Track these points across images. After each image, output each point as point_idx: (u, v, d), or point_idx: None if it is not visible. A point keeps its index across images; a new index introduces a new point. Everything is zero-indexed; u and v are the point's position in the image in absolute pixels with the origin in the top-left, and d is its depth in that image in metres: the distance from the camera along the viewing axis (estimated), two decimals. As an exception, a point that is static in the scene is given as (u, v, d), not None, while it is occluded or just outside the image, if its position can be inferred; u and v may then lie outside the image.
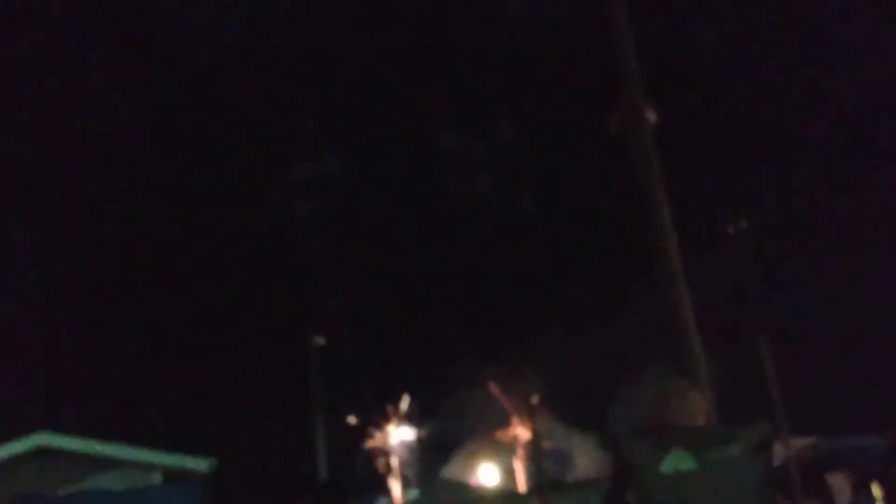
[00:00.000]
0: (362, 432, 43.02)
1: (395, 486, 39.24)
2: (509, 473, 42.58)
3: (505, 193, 49.40)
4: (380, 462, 42.77)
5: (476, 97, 52.76)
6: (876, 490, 15.14)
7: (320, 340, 20.81)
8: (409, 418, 37.36)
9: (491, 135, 49.44)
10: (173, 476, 14.67)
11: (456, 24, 50.15)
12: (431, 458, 43.48)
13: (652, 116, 11.26)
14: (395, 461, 42.57)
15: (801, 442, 17.00)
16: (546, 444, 35.73)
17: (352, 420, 35.46)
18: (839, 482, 15.16)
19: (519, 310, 44.82)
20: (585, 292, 43.62)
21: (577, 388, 38.58)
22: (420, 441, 40.32)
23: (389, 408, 39.79)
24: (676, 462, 3.30)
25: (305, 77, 50.60)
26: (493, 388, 37.85)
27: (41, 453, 14.74)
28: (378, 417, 42.44)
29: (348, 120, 51.39)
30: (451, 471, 41.39)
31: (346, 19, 49.65)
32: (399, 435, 42.71)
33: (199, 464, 15.36)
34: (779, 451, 11.01)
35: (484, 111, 51.51)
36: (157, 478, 14.35)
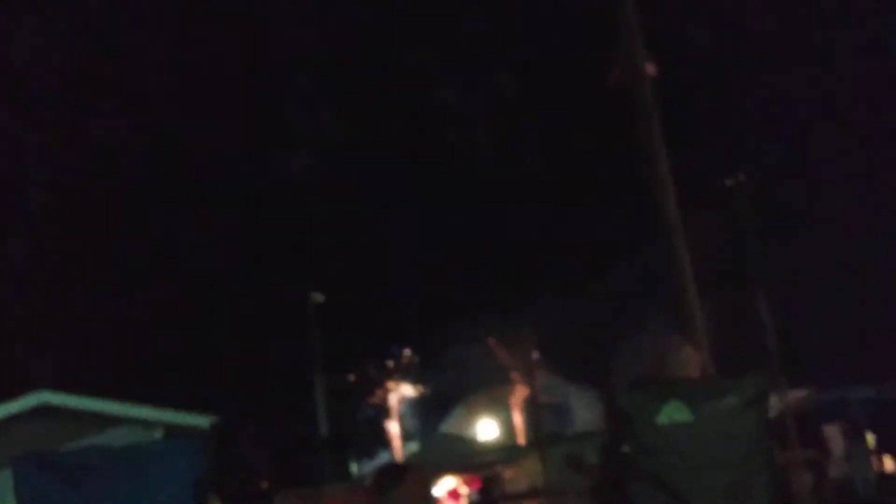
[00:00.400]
0: (363, 388, 43.40)
1: (396, 441, 39.66)
2: (508, 427, 43.04)
3: (504, 147, 49.23)
4: (380, 417, 43.21)
5: (474, 50, 52.35)
6: (869, 438, 15.36)
7: (319, 297, 20.85)
8: (410, 373, 37.62)
9: (489, 88, 49.15)
10: (175, 433, 14.80)
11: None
12: (431, 412, 43.90)
13: (651, 69, 11.19)
14: (394, 417, 43.00)
15: (796, 394, 17.18)
16: (544, 398, 36.07)
17: (352, 377, 35.71)
18: (833, 432, 15.37)
19: (518, 264, 44.94)
20: (584, 246, 43.67)
21: (576, 342, 38.84)
22: (420, 396, 40.67)
23: (389, 363, 40.09)
24: (672, 413, 3.33)
25: (299, 31, 50.15)
26: (493, 342, 38.09)
27: (43, 411, 14.79)
28: (378, 373, 42.78)
29: (344, 74, 51.00)
30: (450, 425, 41.82)
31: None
32: (399, 390, 43.10)
33: (201, 420, 15.49)
34: (775, 403, 11.13)
35: (482, 64, 51.12)
36: (158, 434, 14.44)
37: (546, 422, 32.43)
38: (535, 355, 35.07)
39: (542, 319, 38.33)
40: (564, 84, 44.92)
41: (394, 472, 4.54)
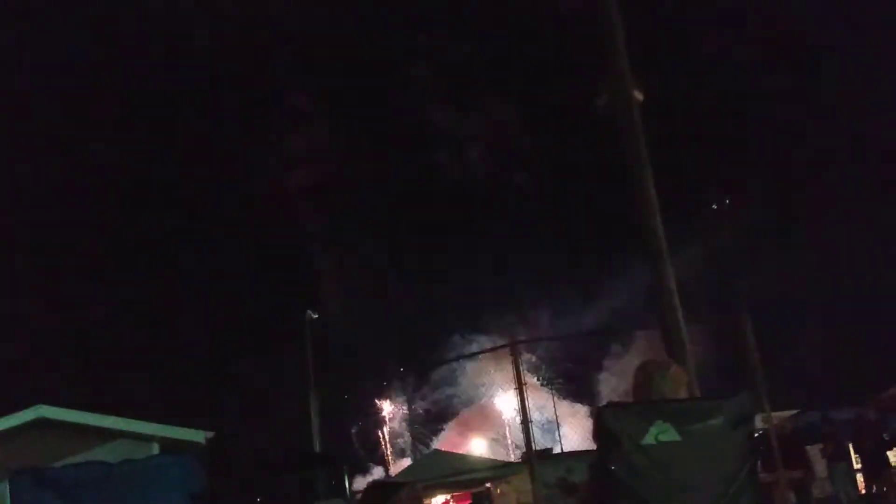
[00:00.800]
0: (357, 405, 43.27)
1: (388, 457, 39.53)
2: (499, 444, 42.97)
3: (495, 168, 49.37)
4: (373, 434, 43.06)
5: (466, 75, 52.58)
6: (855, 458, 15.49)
7: (314, 314, 20.91)
8: (403, 391, 37.59)
9: (481, 111, 49.35)
10: (170, 447, 14.83)
11: (446, 1, 49.87)
12: (424, 428, 43.85)
13: (639, 95, 11.37)
14: (387, 434, 42.86)
15: (781, 415, 17.32)
16: (535, 416, 36.11)
17: (346, 394, 35.56)
18: (817, 453, 15.52)
19: (509, 282, 45.08)
20: (574, 265, 43.83)
21: (566, 361, 38.92)
22: (413, 412, 40.59)
23: (383, 382, 39.92)
24: (658, 434, 3.38)
25: (298, 51, 50.20)
26: (484, 359, 38.06)
27: (40, 425, 14.84)
28: (372, 390, 42.64)
29: (340, 94, 51.08)
30: (443, 441, 41.77)
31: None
32: (392, 408, 43.00)
33: (196, 435, 15.53)
34: (759, 424, 11.28)
35: (474, 88, 51.34)
36: (154, 449, 14.51)
37: (537, 438, 32.45)
38: (526, 373, 35.10)
39: (534, 338, 38.43)
40: (553, 108, 45.21)
41: (384, 490, 4.53)
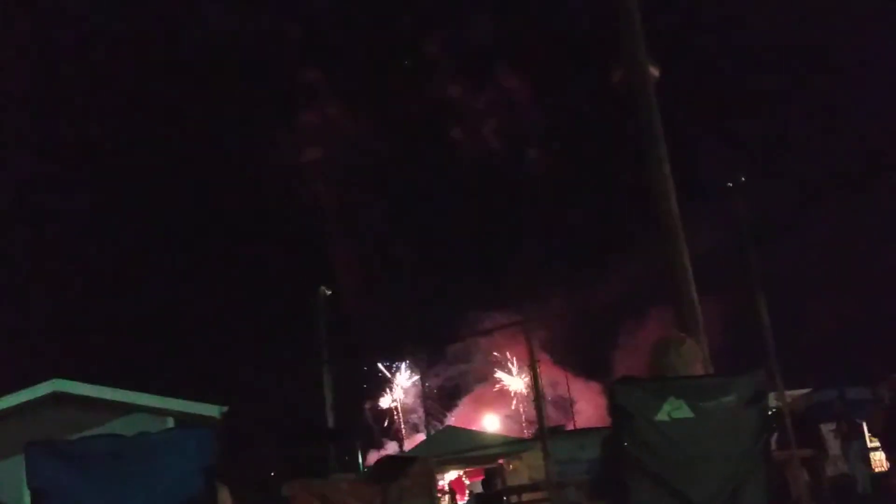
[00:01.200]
0: (371, 380, 43.49)
1: (402, 432, 39.74)
2: (513, 419, 43.15)
3: (509, 143, 49.21)
4: (387, 410, 43.27)
5: (481, 48, 52.30)
6: (873, 441, 15.41)
7: (327, 290, 20.95)
8: (417, 366, 37.69)
9: (496, 88, 49.15)
10: (185, 421, 14.95)
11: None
12: (438, 404, 44.07)
13: (654, 72, 11.32)
14: (401, 409, 43.06)
15: (794, 393, 17.28)
16: (549, 392, 36.22)
17: (359, 369, 35.72)
18: (831, 431, 15.50)
19: (524, 258, 45.01)
20: (588, 242, 43.76)
21: (581, 337, 38.93)
22: (426, 388, 40.72)
23: (397, 358, 40.05)
24: (671, 410, 3.36)
25: (309, 28, 50.05)
26: (498, 335, 38.13)
27: (56, 399, 14.98)
28: (386, 366, 42.80)
29: (353, 69, 50.94)
30: (456, 417, 41.99)
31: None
32: (406, 383, 43.18)
33: (211, 409, 15.64)
34: (773, 402, 11.25)
35: (488, 64, 51.09)
36: (169, 423, 14.60)
37: (550, 415, 32.54)
38: (540, 350, 35.17)
39: (548, 314, 38.41)
40: (569, 84, 44.94)
41: (396, 464, 4.54)
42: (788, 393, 13.72)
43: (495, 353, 41.93)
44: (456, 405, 44.06)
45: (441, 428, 36.21)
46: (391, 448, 41.64)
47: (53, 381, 15.17)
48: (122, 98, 44.75)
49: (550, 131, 47.65)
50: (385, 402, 43.55)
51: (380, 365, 42.91)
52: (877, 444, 15.38)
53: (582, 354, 39.11)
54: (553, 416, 33.33)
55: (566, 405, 37.14)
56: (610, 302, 38.41)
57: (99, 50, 45.28)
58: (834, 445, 16.12)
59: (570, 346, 38.46)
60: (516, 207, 48.05)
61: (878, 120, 35.45)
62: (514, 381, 42.43)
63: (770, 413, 3.99)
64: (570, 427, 32.36)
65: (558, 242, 45.26)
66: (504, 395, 43.26)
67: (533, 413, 30.54)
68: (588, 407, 38.01)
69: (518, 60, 47.33)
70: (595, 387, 37.71)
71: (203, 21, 45.82)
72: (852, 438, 15.60)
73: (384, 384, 43.68)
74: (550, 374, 36.41)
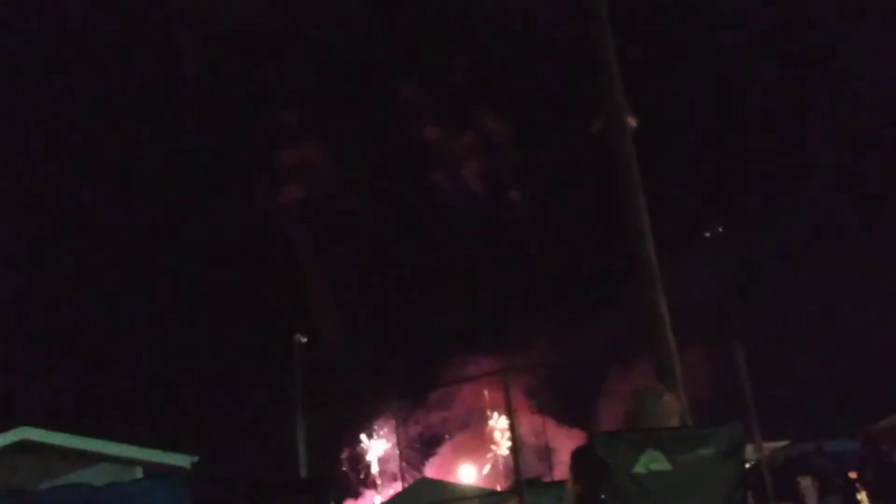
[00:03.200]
0: (348, 428, 43.00)
1: (378, 482, 39.21)
2: (491, 470, 42.71)
3: (489, 191, 49.50)
4: (364, 459, 42.77)
5: (460, 96, 52.86)
6: (860, 495, 15.31)
7: (303, 338, 20.77)
8: (396, 415, 37.31)
9: (476, 132, 49.58)
10: (154, 472, 14.68)
11: (443, 20, 50.19)
12: (416, 452, 43.57)
13: (633, 121, 11.40)
14: (377, 458, 42.57)
15: (773, 445, 17.20)
16: (532, 440, 35.89)
17: (334, 417, 35.32)
18: (809, 485, 15.40)
19: (505, 307, 45.02)
20: (569, 291, 43.82)
21: (565, 384, 38.75)
22: (405, 436, 40.32)
23: (375, 406, 39.61)
24: (649, 462, 3.35)
25: (290, 66, 50.38)
26: (480, 382, 37.87)
27: (24, 447, 14.71)
28: (364, 413, 42.35)
29: (333, 111, 51.21)
30: (434, 466, 41.51)
31: (334, 8, 49.59)
32: (379, 445, 42.76)
33: (181, 460, 15.38)
34: (750, 454, 11.18)
35: (469, 109, 51.58)
36: (138, 473, 14.36)
37: (531, 464, 32.19)
38: (522, 396, 34.97)
39: (527, 363, 38.28)
40: (549, 133, 45.47)
41: None
42: (767, 445, 13.66)
43: (480, 399, 41.72)
44: (434, 453, 43.60)
45: (415, 480, 35.74)
46: (368, 497, 41.05)
47: (21, 428, 14.91)
48: (81, 139, 44.55)
49: (531, 176, 48.01)
50: (363, 449, 43.04)
51: (362, 436, 42.54)
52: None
53: (566, 402, 38.93)
54: (535, 466, 32.97)
55: (549, 453, 36.82)
56: (595, 349, 38.37)
57: (74, 86, 45.37)
58: (812, 497, 16.02)
59: (553, 393, 38.27)
60: (499, 251, 48.18)
61: (863, 170, 36.01)
62: (495, 428, 42.18)
63: (747, 467, 3.95)
64: (549, 478, 32.03)
65: (542, 287, 45.29)
66: (484, 443, 42.89)
67: (512, 462, 30.18)
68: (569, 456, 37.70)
69: (496, 107, 47.83)
70: (579, 435, 37.44)
71: (184, 59, 45.95)
72: (830, 493, 15.52)
73: (361, 433, 43.23)
74: (532, 422, 36.16)
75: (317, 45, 50.22)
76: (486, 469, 41.89)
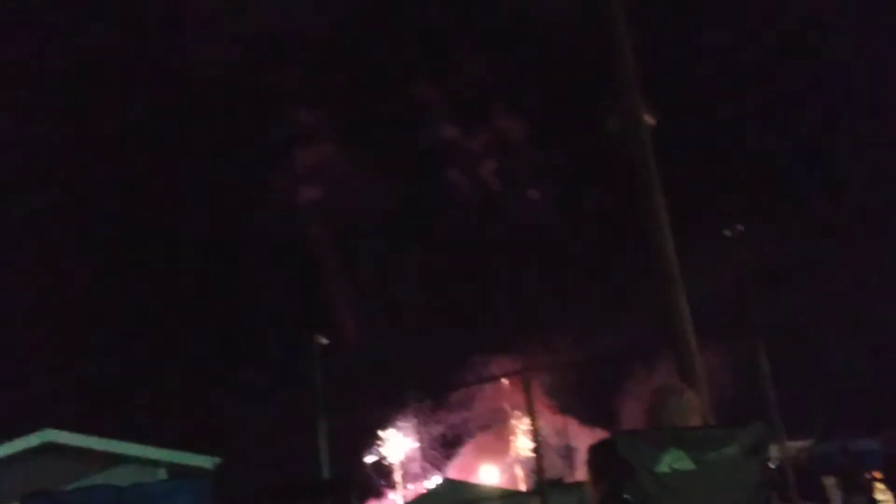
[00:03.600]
0: (370, 429, 43.05)
1: (401, 483, 39.22)
2: (512, 471, 42.65)
3: (508, 190, 49.42)
4: (384, 462, 42.83)
5: (478, 95, 52.84)
6: (884, 494, 15.15)
7: (323, 339, 20.82)
8: (418, 414, 37.37)
9: (493, 132, 49.55)
10: (178, 473, 14.78)
11: (458, 21, 50.21)
12: (439, 452, 43.57)
13: (650, 119, 11.35)
14: (400, 459, 42.61)
15: (796, 444, 17.08)
16: (555, 440, 35.85)
17: (358, 418, 35.33)
18: (833, 485, 15.26)
19: (525, 307, 44.92)
20: (590, 290, 43.66)
21: (588, 383, 38.62)
22: (428, 436, 40.37)
23: (398, 406, 39.62)
24: (673, 462, 3.34)
25: (308, 68, 50.52)
26: (501, 385, 37.83)
27: (48, 449, 14.84)
28: (387, 414, 42.41)
29: (350, 111, 51.30)
30: (456, 467, 41.50)
31: (350, 11, 49.70)
32: (403, 441, 42.80)
33: (205, 461, 15.47)
34: (774, 453, 11.11)
35: (486, 110, 51.54)
36: (161, 475, 14.46)
37: (554, 464, 32.16)
38: (545, 396, 34.92)
39: (549, 362, 38.18)
40: (565, 132, 45.34)
41: None
42: (790, 444, 13.58)
43: (502, 399, 41.69)
44: (456, 453, 43.57)
45: (438, 481, 35.76)
46: (391, 498, 41.11)
47: (44, 431, 15.05)
48: (96, 135, 44.82)
49: (549, 174, 47.91)
50: (384, 451, 43.07)
51: (383, 436, 42.55)
52: (884, 496, 15.15)
53: (587, 401, 38.77)
54: (557, 467, 32.93)
55: (572, 453, 36.72)
56: (616, 348, 38.22)
57: (87, 82, 45.70)
58: (838, 497, 15.89)
59: (575, 392, 38.15)
60: (519, 251, 48.08)
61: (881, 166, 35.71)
62: (517, 429, 42.12)
63: (773, 467, 3.93)
64: (572, 479, 31.97)
65: (563, 286, 45.16)
66: (507, 443, 42.84)
67: (534, 463, 30.14)
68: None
69: (515, 103, 47.77)
70: (601, 435, 37.21)
71: (198, 58, 46.12)
72: (856, 492, 15.38)
73: (384, 433, 43.27)
74: (554, 422, 36.11)
75: (329, 44, 50.38)
76: (508, 469, 41.84)
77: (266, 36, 46.83)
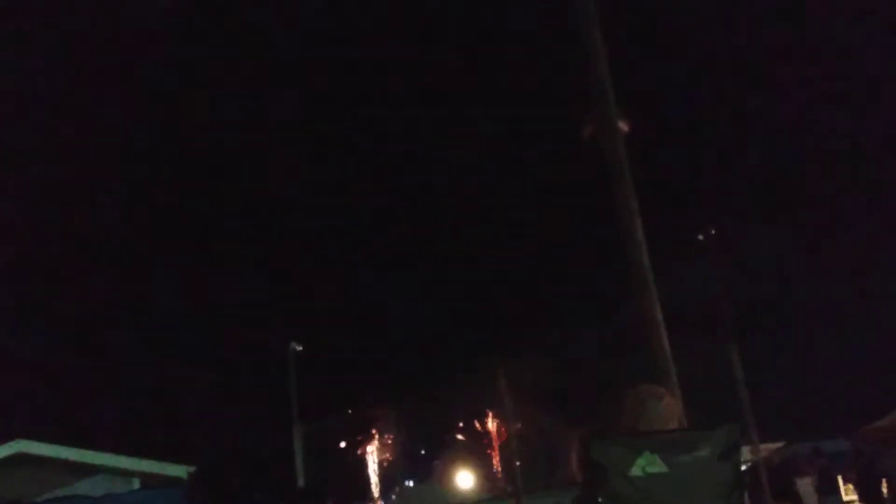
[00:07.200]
0: (342, 437, 42.88)
1: (376, 490, 39.06)
2: (489, 473, 42.66)
3: (483, 200, 49.54)
4: (360, 466, 42.68)
5: (451, 99, 52.94)
6: (849, 493, 15.33)
7: (298, 347, 20.74)
8: (396, 420, 37.24)
9: (466, 140, 49.66)
10: (151, 482, 14.65)
11: (434, 30, 50.30)
12: (416, 458, 43.48)
13: (624, 126, 11.40)
14: (375, 466, 42.47)
15: (769, 446, 17.25)
16: (541, 443, 35.85)
17: (331, 427, 35.22)
18: (806, 486, 15.42)
19: (504, 309, 45.02)
20: (566, 294, 43.86)
21: (561, 389, 38.70)
22: (405, 441, 40.24)
23: (370, 414, 39.52)
24: (645, 465, 3.36)
25: (275, 62, 50.31)
26: (483, 386, 37.82)
27: (20, 460, 14.67)
28: (358, 422, 42.26)
29: (331, 117, 51.16)
30: (435, 471, 41.44)
31: (336, 28, 49.70)
32: (379, 439, 42.68)
33: (177, 470, 15.33)
34: (747, 455, 11.19)
35: (462, 117, 51.66)
36: (135, 484, 14.32)
37: (540, 467, 32.19)
38: (518, 401, 34.87)
39: (528, 364, 38.19)
40: (539, 139, 45.52)
41: None
42: (763, 446, 13.66)
43: (478, 403, 41.69)
44: (433, 458, 43.52)
45: (414, 486, 35.71)
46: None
47: (17, 441, 14.88)
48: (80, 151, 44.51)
49: (523, 180, 48.10)
50: (361, 456, 42.98)
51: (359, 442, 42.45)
52: (853, 496, 15.34)
53: (563, 404, 38.85)
54: (534, 470, 32.94)
55: (560, 455, 36.73)
56: (592, 351, 38.39)
57: (91, 82, 45.30)
58: (811, 498, 16.05)
59: (551, 396, 38.22)
60: (494, 254, 48.18)
61: (862, 171, 36.15)
62: (495, 432, 42.15)
63: (743, 468, 3.96)
64: (549, 482, 32.01)
65: (538, 288, 45.30)
66: (485, 448, 42.86)
67: (510, 466, 30.18)
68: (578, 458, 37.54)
69: (485, 114, 47.92)
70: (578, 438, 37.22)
71: (181, 61, 45.92)
72: (828, 493, 15.54)
73: (360, 439, 43.14)
74: (530, 425, 36.15)
75: (305, 40, 50.24)
76: (484, 473, 41.84)
77: (238, 37, 46.50)
